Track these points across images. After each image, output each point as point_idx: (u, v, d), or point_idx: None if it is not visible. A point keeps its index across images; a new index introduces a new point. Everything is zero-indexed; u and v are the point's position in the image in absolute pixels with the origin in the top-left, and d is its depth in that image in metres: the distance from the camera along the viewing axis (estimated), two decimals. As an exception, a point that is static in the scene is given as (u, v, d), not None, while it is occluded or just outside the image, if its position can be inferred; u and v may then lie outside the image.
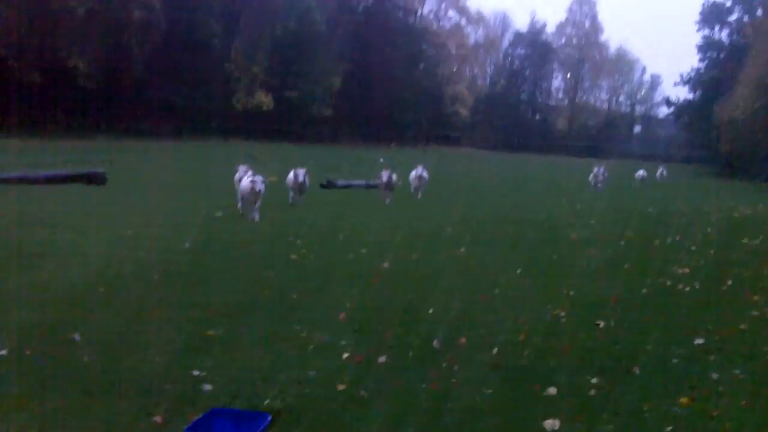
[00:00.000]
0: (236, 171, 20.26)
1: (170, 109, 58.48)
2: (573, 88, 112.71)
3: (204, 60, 60.74)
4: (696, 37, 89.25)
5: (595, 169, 34.42)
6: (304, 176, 21.17)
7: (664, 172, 45.95)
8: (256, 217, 17.62)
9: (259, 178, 17.48)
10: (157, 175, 30.04)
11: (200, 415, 5.24)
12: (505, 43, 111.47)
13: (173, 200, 21.56)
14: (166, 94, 57.12)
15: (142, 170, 31.49)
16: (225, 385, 6.19)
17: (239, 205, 19.14)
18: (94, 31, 51.36)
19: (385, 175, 23.75)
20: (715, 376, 6.69)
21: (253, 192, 17.40)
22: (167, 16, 56.41)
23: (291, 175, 21.46)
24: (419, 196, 25.65)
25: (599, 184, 33.61)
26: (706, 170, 75.71)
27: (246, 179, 17.91)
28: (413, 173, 26.21)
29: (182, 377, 6.33)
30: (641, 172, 40.80)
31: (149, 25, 54.71)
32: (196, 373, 6.40)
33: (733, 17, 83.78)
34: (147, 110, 56.95)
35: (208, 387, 6.11)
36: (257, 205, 17.77)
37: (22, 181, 22.85)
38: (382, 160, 48.75)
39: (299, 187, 21.32)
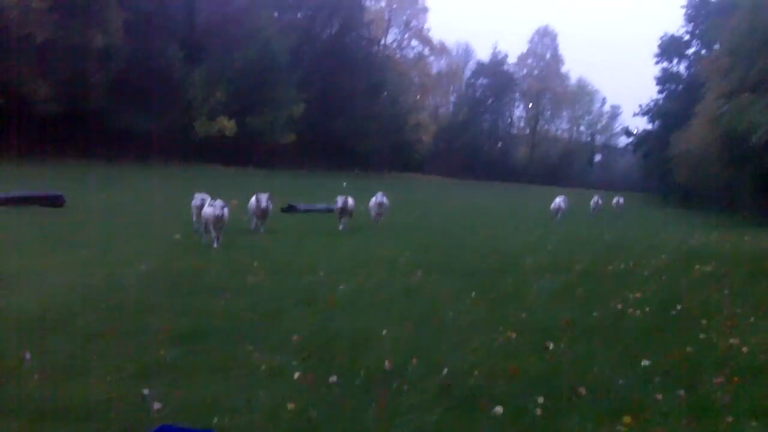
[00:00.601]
0: (193, 198, 19.86)
1: (131, 135, 58.05)
2: (534, 117, 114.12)
3: (165, 86, 60.41)
4: (655, 69, 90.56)
5: (557, 200, 34.13)
6: (267, 201, 20.73)
7: (620, 201, 46.14)
8: (216, 244, 17.21)
9: (219, 203, 17.16)
10: (117, 199, 29.80)
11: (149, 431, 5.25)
12: (468, 72, 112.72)
13: (132, 224, 21.37)
14: (127, 120, 56.67)
15: (101, 194, 31.18)
16: (175, 406, 6.21)
17: (195, 229, 19.27)
18: (55, 57, 50.96)
19: (340, 201, 22.94)
20: (659, 397, 6.86)
21: (216, 218, 17.03)
22: (128, 44, 56.14)
23: (253, 200, 20.94)
24: (378, 222, 25.17)
25: (559, 214, 33.43)
26: (663, 200, 76.90)
27: (207, 206, 17.64)
28: (373, 200, 25.45)
29: (132, 399, 6.34)
30: (596, 198, 40.77)
31: (110, 52, 54.39)
32: (146, 392, 6.41)
33: (690, 50, 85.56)
34: (108, 136, 56.37)
35: (158, 406, 6.12)
36: (220, 232, 17.42)
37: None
38: (345, 184, 48.93)
39: (262, 213, 20.76)
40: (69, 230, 19.25)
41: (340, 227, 22.88)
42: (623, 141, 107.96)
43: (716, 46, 51.89)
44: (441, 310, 10.57)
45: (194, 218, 19.81)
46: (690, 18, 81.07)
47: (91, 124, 54.20)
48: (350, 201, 23.27)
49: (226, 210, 17.20)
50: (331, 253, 17.12)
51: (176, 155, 62.60)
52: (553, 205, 34.11)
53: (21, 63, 48.96)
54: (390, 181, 68.77)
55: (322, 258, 15.94)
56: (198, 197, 19.38)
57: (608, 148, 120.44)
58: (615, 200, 46.07)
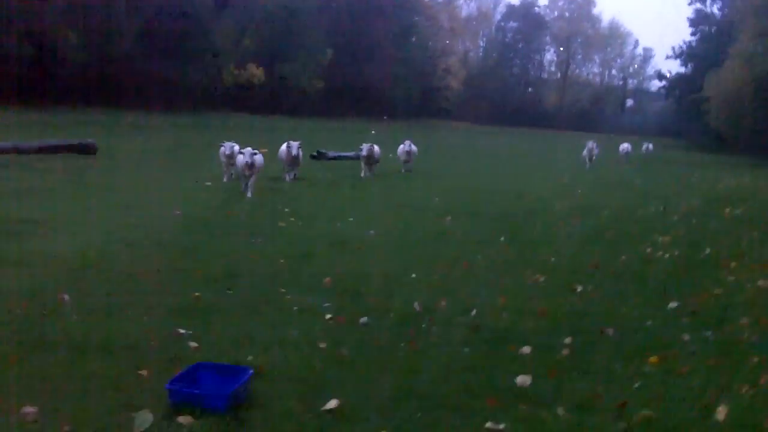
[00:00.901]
0: (221, 146, 19.72)
1: (160, 83, 58.24)
2: (565, 61, 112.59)
3: (194, 33, 60.38)
4: (688, 11, 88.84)
5: (589, 144, 33.18)
6: (298, 149, 20.49)
7: (650, 147, 44.92)
8: (249, 193, 16.94)
9: (248, 150, 17.07)
10: (148, 146, 30.07)
11: (185, 368, 5.42)
12: (498, 16, 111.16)
13: (164, 171, 21.61)
14: (156, 68, 56.85)
15: (133, 142, 31.46)
16: (210, 343, 6.37)
17: (224, 178, 19.52)
18: (83, 5, 50.98)
19: (365, 148, 22.72)
20: (686, 337, 6.91)
21: (247, 165, 16.84)
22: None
23: (284, 147, 20.60)
24: (406, 170, 25.17)
25: (593, 158, 32.71)
26: (696, 144, 75.96)
27: (240, 156, 17.47)
28: (401, 147, 25.34)
29: (169, 336, 6.50)
30: (626, 146, 39.22)
31: (138, -1, 54.51)
32: (182, 331, 6.57)
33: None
34: (137, 83, 56.63)
35: (193, 344, 6.29)
36: (252, 180, 17.20)
37: (14, 150, 22.86)
38: (373, 132, 48.83)
39: (293, 160, 20.53)
40: (103, 177, 19.52)
41: (363, 174, 22.92)
42: (655, 85, 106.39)
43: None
44: (470, 253, 10.66)
45: (224, 167, 19.81)
46: (725, -43, 79.21)
47: (121, 72, 54.45)
48: (376, 149, 23.04)
49: (257, 157, 17.09)
50: (360, 199, 17.26)
51: (205, 103, 62.80)
52: (584, 151, 33.22)
53: (50, 12, 49.06)
54: (419, 128, 68.49)
55: (351, 204, 16.10)
56: (228, 146, 19.24)
57: (640, 93, 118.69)
58: (644, 146, 45.02)
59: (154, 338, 6.42)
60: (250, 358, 5.99)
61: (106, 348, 6.17)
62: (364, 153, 22.82)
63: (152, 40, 56.31)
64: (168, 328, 6.69)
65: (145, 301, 7.57)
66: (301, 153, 21.02)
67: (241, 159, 17.27)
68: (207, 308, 7.46)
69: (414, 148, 25.27)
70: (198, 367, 5.42)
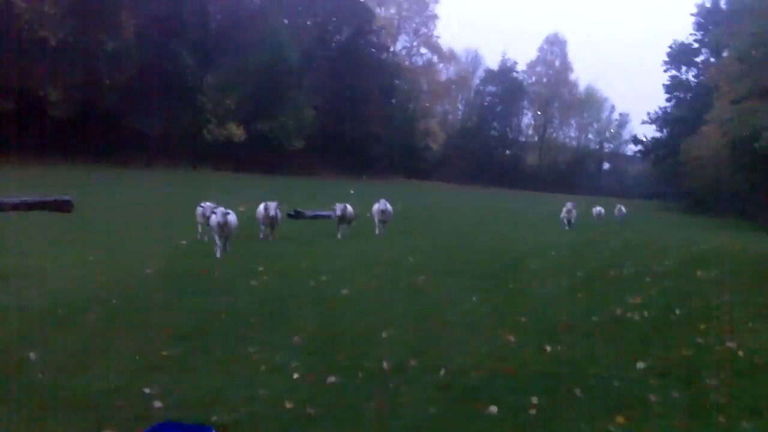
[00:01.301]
0: (200, 206, 19.34)
1: (141, 139, 58.42)
2: (543, 125, 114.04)
3: (176, 91, 60.78)
4: (664, 77, 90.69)
5: (567, 205, 32.84)
6: (276, 209, 20.08)
7: (622, 209, 43.61)
8: (219, 253, 16.44)
9: (220, 210, 16.65)
10: (125, 203, 30.02)
11: (148, 429, 5.36)
12: (477, 80, 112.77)
13: (139, 228, 21.56)
14: (137, 125, 57.05)
15: (110, 198, 31.41)
16: (176, 402, 6.34)
17: (198, 237, 19.32)
18: (67, 61, 51.28)
19: (339, 208, 22.29)
20: (653, 398, 6.94)
21: (219, 225, 16.38)
22: (140, 48, 56.52)
23: (261, 208, 20.23)
24: (381, 230, 24.27)
25: (572, 220, 32.58)
26: (673, 206, 76.83)
27: (213, 215, 16.97)
28: (376, 206, 24.48)
29: (135, 395, 6.46)
30: (598, 209, 39.14)
31: (122, 56, 54.68)
32: (147, 391, 6.53)
33: (699, 58, 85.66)
34: (118, 140, 56.77)
35: (158, 404, 6.24)
36: (226, 240, 16.87)
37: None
38: (352, 191, 48.99)
39: (270, 221, 20.14)
40: (77, 233, 19.49)
41: (339, 236, 22.36)
42: (632, 149, 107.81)
43: (725, 54, 51.94)
44: (443, 311, 10.70)
45: (200, 227, 19.59)
46: (699, 26, 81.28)
47: (103, 128, 54.55)
48: (349, 209, 22.78)
49: (230, 217, 16.69)
50: (336, 257, 17.24)
51: (186, 160, 62.92)
52: (563, 212, 32.91)
53: (34, 67, 49.33)
54: (399, 187, 68.85)
55: (327, 262, 16.08)
56: (207, 207, 18.79)
57: (617, 156, 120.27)
58: (617, 208, 43.71)
59: (120, 397, 6.39)
60: (214, 418, 5.96)
61: (71, 406, 6.14)
62: (338, 213, 22.45)
63: (135, 96, 56.58)
64: (134, 387, 6.66)
65: (114, 359, 7.55)
66: (279, 213, 20.71)
67: (213, 219, 16.82)
68: (175, 366, 7.42)
69: (389, 207, 24.91)
70: (161, 427, 5.36)
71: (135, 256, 15.37)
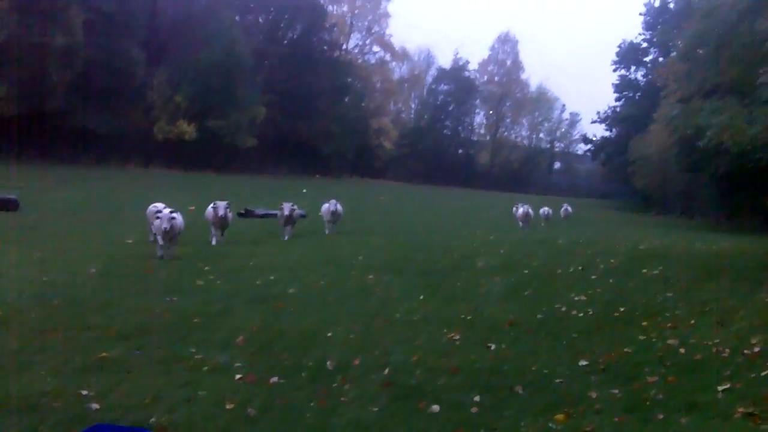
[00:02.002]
0: (153, 208, 18.04)
1: (91, 136, 57.51)
2: (495, 124, 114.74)
3: (126, 88, 59.92)
4: (613, 77, 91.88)
5: (522, 208, 32.16)
6: (226, 210, 19.06)
7: (569, 210, 42.74)
8: (160, 252, 15.87)
9: (166, 215, 15.71)
10: (73, 202, 29.53)
11: (83, 430, 5.27)
12: (429, 78, 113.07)
13: (86, 227, 21.24)
14: (86, 122, 56.12)
15: (58, 197, 30.86)
16: (114, 403, 6.25)
17: (151, 239, 17.71)
18: (14, 58, 50.24)
19: (287, 208, 21.29)
20: (594, 394, 7.00)
21: (164, 231, 15.48)
22: (89, 44, 55.49)
23: (210, 208, 19.33)
24: (331, 231, 23.87)
25: (530, 221, 32.23)
26: (622, 204, 77.88)
27: (157, 220, 15.99)
28: (326, 206, 23.95)
29: (72, 396, 6.35)
30: (545, 209, 38.18)
31: (70, 52, 53.60)
32: (84, 392, 6.42)
33: (648, 57, 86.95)
34: (67, 137, 55.81)
35: (95, 406, 6.15)
36: (172, 244, 16.20)
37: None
38: (305, 190, 48.84)
39: (220, 222, 19.15)
40: (22, 232, 19.08)
41: (286, 237, 21.55)
42: (582, 148, 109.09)
43: (673, 53, 52.81)
44: (390, 310, 10.70)
45: (150, 227, 17.97)
46: (648, 25, 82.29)
47: (51, 125, 53.59)
48: (296, 210, 22.10)
49: (175, 221, 15.78)
50: (285, 256, 17.16)
51: (136, 157, 62.11)
52: (519, 212, 32.31)
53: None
54: (351, 186, 68.86)
55: (275, 261, 16.01)
56: (160, 209, 17.33)
57: (568, 155, 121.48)
58: (563, 208, 42.75)
59: (57, 398, 6.27)
60: (152, 419, 5.88)
61: (6, 407, 6.01)
62: (286, 213, 21.42)
63: (84, 94, 55.64)
64: (72, 388, 6.55)
65: (53, 360, 7.43)
66: (230, 214, 19.65)
67: (157, 223, 15.83)
68: (115, 367, 7.33)
69: (340, 207, 24.24)
70: (96, 429, 5.26)
71: (80, 256, 15.16)
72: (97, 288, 11.60)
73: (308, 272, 14.28)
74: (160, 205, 17.91)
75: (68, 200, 30.01)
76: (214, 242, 19.28)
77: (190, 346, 8.16)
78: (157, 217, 15.96)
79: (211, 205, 19.41)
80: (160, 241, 15.96)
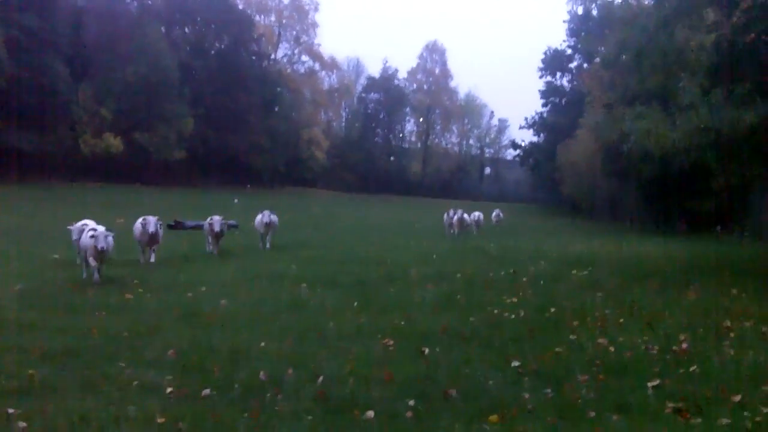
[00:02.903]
0: (73, 229, 16.80)
1: (14, 155, 56.14)
2: (425, 132, 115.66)
3: (50, 104, 58.75)
4: (539, 83, 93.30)
5: (457, 214, 31.98)
6: (156, 226, 17.30)
7: (500, 215, 44.40)
8: (96, 275, 14.53)
9: (102, 233, 14.32)
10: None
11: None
12: (359, 88, 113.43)
13: (10, 245, 20.65)
14: (9, 138, 54.85)
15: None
16: (41, 425, 6.09)
17: (78, 260, 16.43)
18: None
19: (217, 224, 20.20)
20: (526, 396, 7.08)
21: (100, 251, 14.08)
22: (12, 60, 54.35)
23: (138, 224, 17.56)
24: (267, 245, 22.96)
25: (466, 226, 32.79)
26: (551, 210, 79.06)
27: (87, 235, 14.52)
28: (259, 218, 22.94)
29: (-2, 417, 6.18)
30: (476, 214, 38.25)
31: (-7, 69, 52.52)
32: (11, 411, 6.25)
33: (573, 64, 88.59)
34: (-8, 155, 54.51)
35: (22, 425, 5.98)
36: (102, 264, 14.85)
37: None
38: (236, 200, 48.44)
39: (150, 239, 17.35)
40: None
41: (213, 250, 20.61)
42: (511, 153, 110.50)
43: (597, 60, 54.03)
44: (323, 322, 10.64)
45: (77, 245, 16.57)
46: (572, 32, 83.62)
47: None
48: (226, 223, 21.48)
49: (109, 239, 14.42)
50: (216, 269, 16.98)
51: (61, 174, 60.83)
52: (453, 219, 32.07)
53: None
54: (284, 197, 68.55)
55: (206, 274, 15.83)
56: (77, 227, 16.55)
57: (498, 161, 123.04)
58: (494, 213, 44.44)
59: (-21, 421, 6.07)
60: (81, 438, 5.75)
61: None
62: (216, 228, 20.29)
63: (6, 110, 54.30)
64: (-2, 409, 6.35)
65: (-26, 382, 7.19)
66: (161, 230, 17.89)
67: (90, 242, 14.33)
68: (41, 387, 7.16)
69: (274, 218, 23.17)
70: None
71: (3, 275, 14.72)
72: (21, 306, 11.31)
73: (240, 285, 14.17)
74: (90, 223, 16.50)
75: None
76: (142, 261, 17.66)
77: (119, 363, 8.00)
78: (92, 236, 14.25)
79: (140, 220, 17.54)
80: (93, 263, 14.49)
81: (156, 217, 17.67)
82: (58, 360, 8.16)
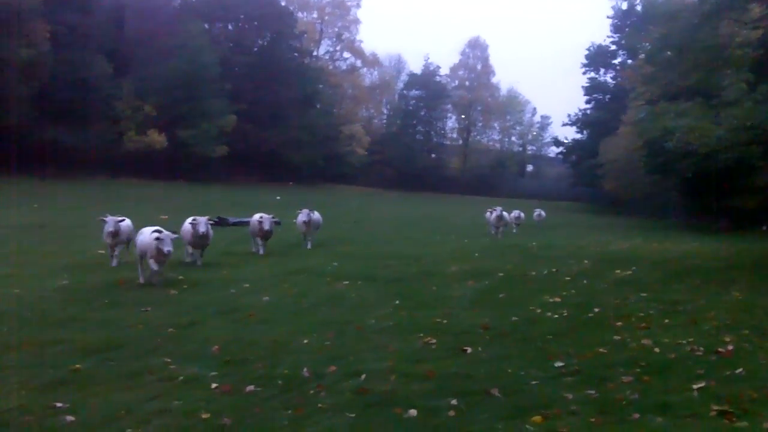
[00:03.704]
0: (108, 221, 15.81)
1: (57, 149, 56.90)
2: (466, 128, 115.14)
3: (93, 100, 59.40)
4: (583, 79, 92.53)
5: (495, 212, 29.78)
6: (207, 225, 16.23)
7: (542, 214, 42.06)
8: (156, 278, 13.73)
9: (111, 220, 14.82)
10: (41, 215, 29.20)
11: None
12: (400, 84, 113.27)
13: (55, 240, 20.98)
14: (52, 135, 55.56)
15: (25, 211, 30.53)
16: (87, 416, 6.17)
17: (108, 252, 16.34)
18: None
19: (267, 222, 19.16)
20: (569, 396, 7.02)
21: (160, 253, 13.34)
22: (55, 56, 55.00)
23: (187, 225, 16.48)
24: (308, 244, 21.69)
25: (507, 224, 31.98)
26: (592, 207, 78.40)
27: (148, 236, 13.71)
28: (300, 217, 21.72)
29: (45, 410, 6.28)
30: (516, 213, 36.76)
31: (35, 65, 53.05)
32: (58, 404, 6.35)
33: (617, 60, 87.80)
34: (32, 151, 55.19)
35: (69, 418, 6.08)
36: (118, 249, 15.20)
37: None
38: (278, 198, 48.69)
39: (199, 240, 16.30)
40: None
41: (260, 250, 19.58)
42: (553, 151, 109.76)
43: (641, 56, 53.43)
44: (363, 317, 10.68)
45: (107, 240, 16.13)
46: (616, 28, 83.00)
47: (14, 139, 52.94)
48: (273, 221, 19.87)
49: (123, 224, 15.03)
50: (257, 265, 17.09)
51: (104, 169, 61.57)
52: (492, 218, 30.18)
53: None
54: (323, 193, 68.78)
55: (248, 270, 15.94)
56: (111, 221, 15.73)
57: (539, 158, 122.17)
58: (536, 213, 42.52)
59: (29, 412, 6.19)
60: (127, 431, 5.82)
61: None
62: (266, 227, 19.25)
63: (47, 106, 55.09)
64: (45, 402, 6.47)
65: (23, 374, 7.34)
66: (210, 230, 16.70)
67: (152, 243, 13.36)
68: (87, 380, 7.26)
69: (315, 216, 22.16)
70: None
71: (49, 270, 14.99)
72: (68, 301, 11.47)
73: (281, 281, 14.25)
74: (115, 218, 15.92)
75: (36, 214, 29.68)
76: (188, 258, 16.91)
77: (163, 357, 8.09)
78: (157, 238, 13.33)
79: (189, 220, 16.41)
80: (154, 266, 13.52)
81: (206, 217, 16.74)
82: (103, 353, 8.27)
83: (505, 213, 30.17)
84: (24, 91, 52.40)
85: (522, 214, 37.56)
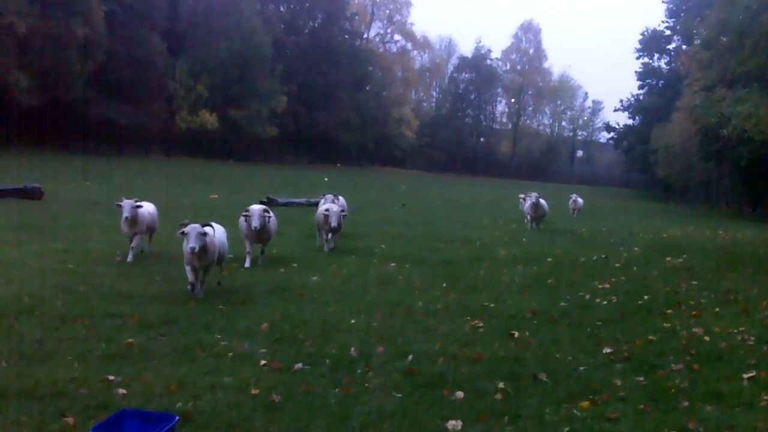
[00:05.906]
0: (124, 205, 13.59)
1: (112, 126, 57.93)
2: (516, 112, 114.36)
3: (147, 78, 60.28)
4: (636, 64, 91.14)
5: (531, 199, 24.10)
6: (262, 219, 13.48)
7: (578, 200, 34.69)
8: (130, 258, 13.28)
9: (127, 204, 13.28)
10: (96, 191, 29.73)
11: (109, 416, 5.32)
12: (451, 67, 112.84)
13: (109, 216, 21.30)
14: (107, 112, 56.56)
15: (81, 186, 31.11)
16: (139, 390, 6.28)
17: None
18: (36, 48, 50.53)
19: (334, 218, 15.67)
20: (618, 382, 6.99)
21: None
22: (110, 34, 55.87)
23: (241, 219, 14.03)
24: (332, 244, 16.37)
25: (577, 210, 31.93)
26: (643, 194, 77.43)
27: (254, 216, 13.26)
28: (321, 209, 16.75)
29: (98, 383, 6.40)
30: (574, 197, 34.00)
31: (92, 42, 53.88)
32: (111, 378, 6.48)
33: (671, 45, 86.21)
34: (88, 127, 56.29)
35: (122, 391, 6.19)
36: (136, 241, 13.66)
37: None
38: (326, 179, 48.92)
39: (257, 235, 13.68)
40: (46, 221, 19.21)
41: (329, 246, 16.23)
42: (605, 136, 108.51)
43: (696, 41, 52.38)
44: (411, 299, 10.72)
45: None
46: (671, 13, 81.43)
47: (72, 116, 53.98)
48: (342, 215, 16.28)
49: (140, 211, 13.48)
50: (306, 245, 17.18)
51: (157, 147, 62.54)
52: (527, 204, 25.02)
53: (2, 54, 48.58)
54: (372, 176, 68.90)
55: (297, 250, 16.04)
56: (127, 205, 13.56)
57: (590, 144, 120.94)
58: (572, 200, 35.21)
59: (83, 385, 6.31)
60: (179, 405, 5.92)
61: (33, 395, 6.06)
62: (333, 223, 15.78)
63: (104, 84, 56.01)
64: (98, 375, 6.59)
65: (78, 347, 7.47)
66: (270, 223, 13.88)
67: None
68: (140, 354, 7.38)
69: (335, 208, 16.09)
70: (123, 414, 5.32)
71: (104, 244, 15.26)
72: (120, 276, 11.67)
73: (330, 262, 14.33)
74: (132, 202, 13.79)
75: (91, 189, 30.22)
76: (248, 264, 13.65)
77: (214, 334, 8.21)
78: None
79: (248, 211, 13.88)
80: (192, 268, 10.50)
81: (262, 208, 13.95)
82: (155, 328, 8.39)
83: (542, 200, 24.36)
84: (81, 68, 53.31)
85: (579, 199, 34.52)
